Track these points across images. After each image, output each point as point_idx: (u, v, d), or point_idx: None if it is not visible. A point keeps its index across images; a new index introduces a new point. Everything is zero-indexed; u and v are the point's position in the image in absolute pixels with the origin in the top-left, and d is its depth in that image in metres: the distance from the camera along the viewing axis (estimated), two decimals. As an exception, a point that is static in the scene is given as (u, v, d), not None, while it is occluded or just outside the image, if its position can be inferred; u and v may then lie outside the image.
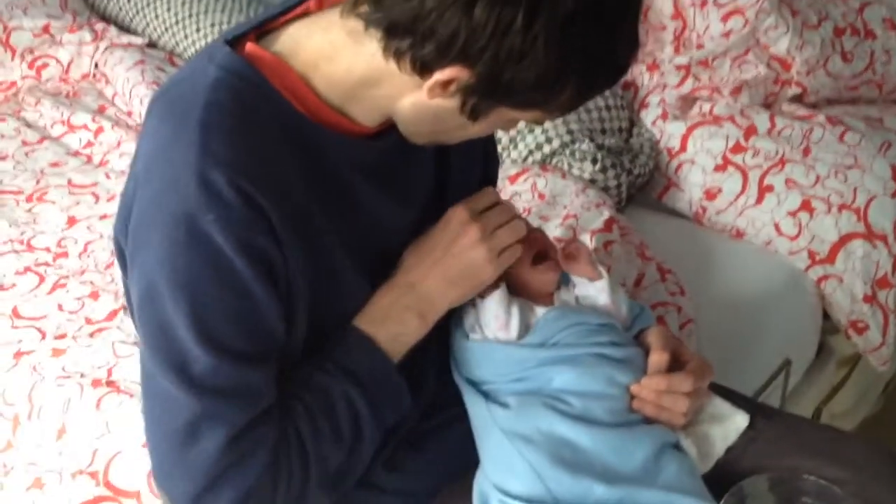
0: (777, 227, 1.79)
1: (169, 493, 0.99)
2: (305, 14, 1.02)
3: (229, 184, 0.90)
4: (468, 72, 0.90)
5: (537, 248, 1.20)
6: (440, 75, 0.91)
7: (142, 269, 0.95)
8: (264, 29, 1.02)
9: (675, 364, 1.15)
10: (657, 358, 1.13)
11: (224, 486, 0.95)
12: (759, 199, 1.81)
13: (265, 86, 0.96)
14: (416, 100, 0.96)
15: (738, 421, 1.22)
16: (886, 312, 1.76)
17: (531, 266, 1.18)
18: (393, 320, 1.06)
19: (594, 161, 1.86)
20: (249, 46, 0.99)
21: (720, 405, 1.23)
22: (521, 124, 1.28)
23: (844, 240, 1.76)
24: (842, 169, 1.80)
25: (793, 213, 1.78)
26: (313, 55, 0.98)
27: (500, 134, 1.98)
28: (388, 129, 1.04)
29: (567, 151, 1.90)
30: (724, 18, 1.99)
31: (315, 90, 0.98)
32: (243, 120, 0.94)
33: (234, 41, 1.00)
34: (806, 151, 1.82)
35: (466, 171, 1.20)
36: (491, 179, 1.32)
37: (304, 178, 0.98)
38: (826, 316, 1.82)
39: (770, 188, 1.81)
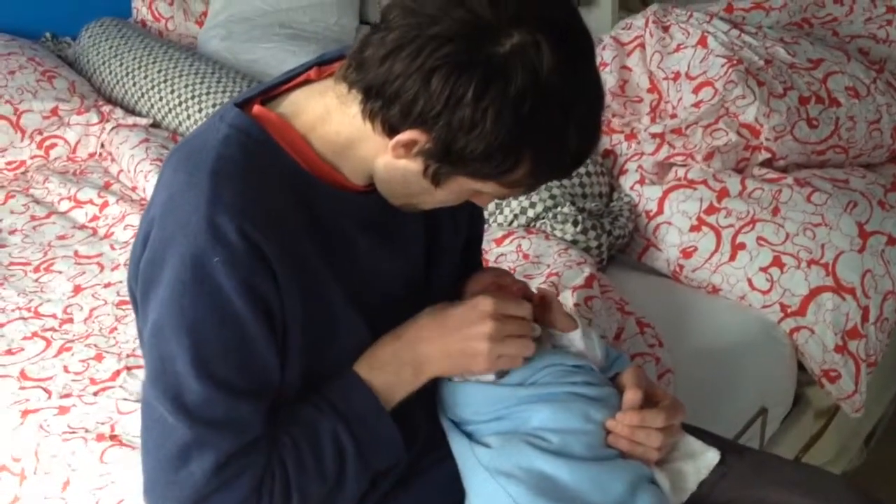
0: (750, 282, 1.88)
1: None
2: (308, 82, 1.13)
3: (236, 229, 1.00)
4: (426, 136, 0.97)
5: (519, 298, 1.28)
6: (401, 137, 0.99)
7: (152, 305, 1.04)
8: (269, 95, 1.13)
9: (649, 403, 1.21)
10: (631, 395, 1.19)
11: None
12: (733, 257, 1.90)
13: (270, 142, 1.06)
14: (387, 159, 1.04)
15: (710, 457, 1.28)
16: (858, 361, 1.83)
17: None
18: (390, 370, 1.14)
19: (575, 223, 1.96)
20: (256, 108, 1.09)
21: (692, 443, 1.29)
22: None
23: (814, 293, 1.84)
24: (810, 227, 1.89)
25: (764, 269, 1.87)
26: (311, 117, 1.08)
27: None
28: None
29: (550, 215, 2.00)
30: (696, 90, 2.11)
31: (313, 148, 1.08)
32: (250, 171, 1.04)
33: (243, 104, 1.10)
34: (775, 211, 1.92)
35: (454, 229, 1.27)
36: (477, 237, 1.41)
37: (306, 227, 1.07)
38: (801, 368, 1.88)
39: (742, 246, 1.90)
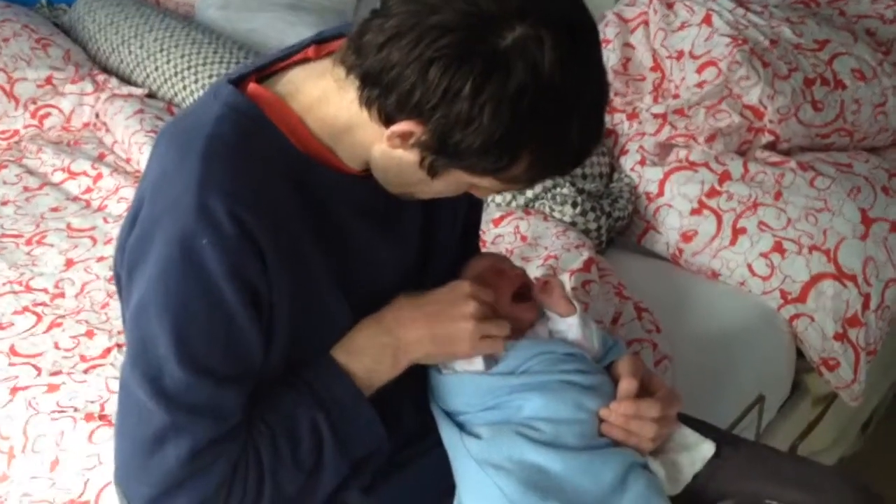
0: (750, 267, 1.85)
1: (127, 494, 1.05)
2: (305, 60, 1.10)
3: (226, 212, 0.97)
4: (422, 127, 0.95)
5: (517, 286, 1.26)
6: (396, 127, 0.96)
7: (137, 283, 1.01)
8: (265, 72, 1.10)
9: (645, 393, 1.19)
10: (626, 384, 1.18)
11: (180, 494, 1.02)
12: (733, 241, 1.88)
13: (265, 122, 1.03)
14: (383, 148, 1.01)
15: (705, 449, 1.26)
16: (857, 350, 1.81)
17: (511, 303, 1.23)
18: (369, 355, 1.11)
19: (574, 205, 1.93)
20: (252, 86, 1.06)
21: (688, 434, 1.28)
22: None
23: (815, 280, 1.82)
24: (812, 212, 1.87)
25: (765, 255, 1.84)
26: (309, 98, 1.05)
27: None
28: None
29: (549, 195, 1.97)
30: (700, 70, 2.07)
31: (310, 130, 1.05)
32: (243, 152, 1.01)
33: (238, 81, 1.07)
34: (777, 195, 1.89)
35: (453, 217, 1.25)
36: (475, 223, 1.38)
37: (299, 209, 1.04)
38: (800, 355, 1.87)
39: (743, 230, 1.87)
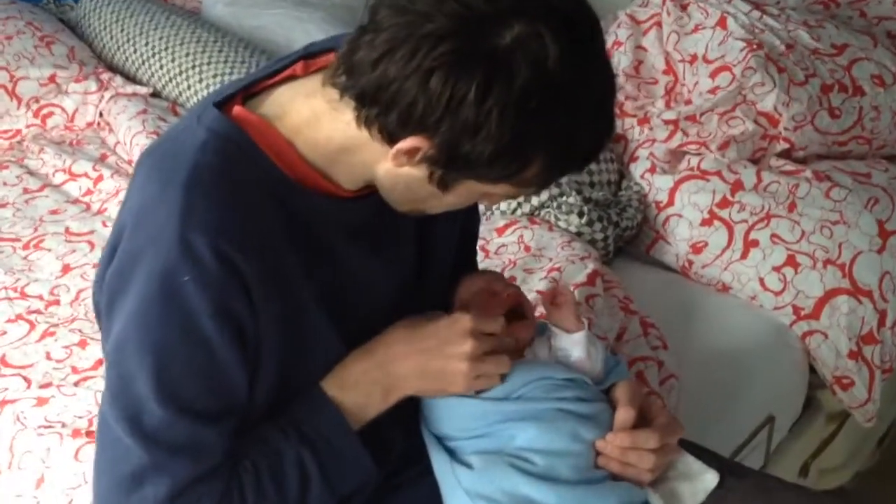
0: (762, 282, 1.79)
1: None
2: (293, 77, 1.05)
3: (209, 246, 0.92)
4: (428, 142, 0.91)
5: (511, 304, 1.21)
6: (402, 145, 0.92)
7: (116, 316, 0.97)
8: (251, 91, 1.05)
9: (643, 420, 1.15)
10: (622, 414, 1.13)
11: None
12: (745, 254, 1.82)
13: (251, 148, 0.98)
14: (389, 167, 0.97)
15: (708, 480, 1.22)
16: (872, 368, 1.75)
17: (506, 324, 1.18)
18: (360, 391, 1.07)
19: (580, 214, 1.88)
20: (237, 109, 1.01)
21: (691, 463, 1.23)
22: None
23: (829, 295, 1.75)
24: (827, 224, 1.80)
25: (777, 269, 1.78)
26: (297, 120, 1.01)
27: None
28: (372, 191, 1.05)
29: (554, 204, 1.92)
30: (713, 75, 2.01)
31: (300, 153, 1.00)
32: (228, 181, 0.96)
33: (223, 103, 1.02)
34: (791, 207, 1.83)
35: (449, 225, 1.21)
36: (472, 234, 1.34)
37: (288, 240, 1.00)
38: (813, 370, 1.81)
39: (755, 243, 1.81)
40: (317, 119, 0.99)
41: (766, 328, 1.77)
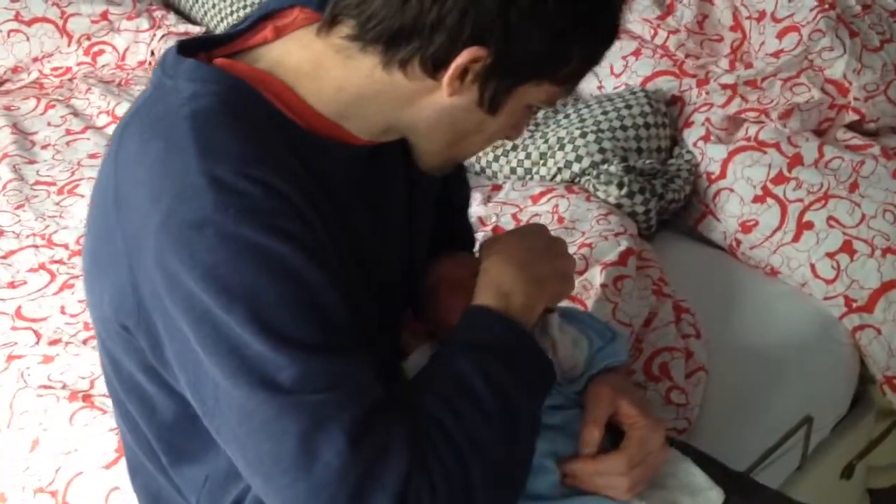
0: (813, 268, 1.65)
1: None
2: (264, 43, 0.96)
3: (239, 174, 0.83)
4: (485, 50, 0.86)
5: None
6: (460, 59, 0.86)
7: (181, 307, 0.85)
8: (213, 54, 0.95)
9: (615, 432, 1.06)
10: (586, 435, 1.04)
11: (370, 498, 0.83)
12: (797, 237, 1.67)
13: (251, 91, 0.89)
14: (429, 106, 0.91)
15: (712, 497, 1.13)
16: (928, 370, 1.60)
17: None
18: (519, 294, 0.98)
19: (620, 185, 1.75)
20: (220, 61, 0.92)
21: (696, 475, 1.14)
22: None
23: (886, 287, 1.60)
24: (891, 208, 1.64)
25: (831, 255, 1.63)
26: (296, 69, 0.92)
27: (530, 150, 1.88)
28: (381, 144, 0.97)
29: (595, 172, 1.80)
30: (780, 35, 1.84)
31: (304, 101, 0.91)
32: (236, 118, 0.87)
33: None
34: (853, 186, 1.67)
35: (428, 201, 1.12)
36: (460, 207, 1.27)
37: (301, 182, 0.89)
38: (865, 364, 1.66)
39: (809, 225, 1.66)
40: (322, 68, 0.91)
41: (813, 320, 1.63)
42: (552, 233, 1.08)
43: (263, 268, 0.83)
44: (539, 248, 1.03)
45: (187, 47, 0.94)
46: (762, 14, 1.90)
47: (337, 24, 0.89)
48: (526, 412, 0.93)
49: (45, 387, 1.50)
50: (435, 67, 0.87)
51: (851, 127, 1.81)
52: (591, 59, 0.93)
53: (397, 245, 1.07)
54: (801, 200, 1.68)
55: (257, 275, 0.83)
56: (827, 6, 1.78)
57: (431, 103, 0.90)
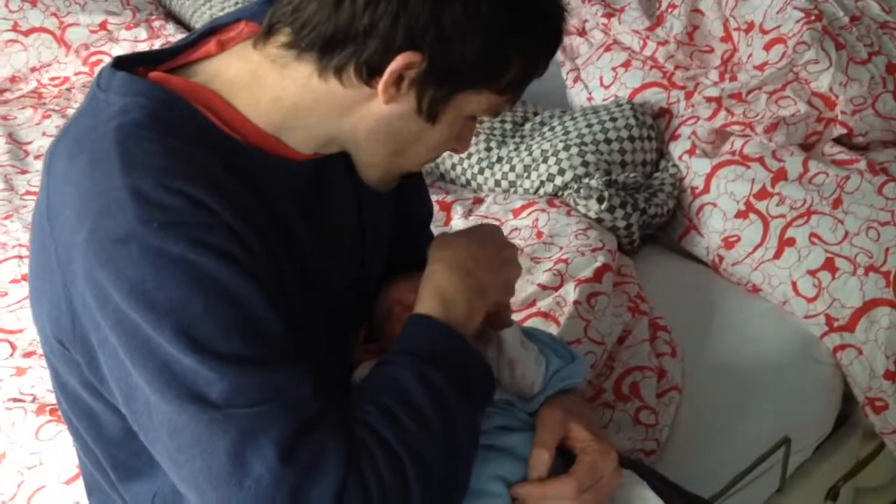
0: (794, 285, 1.61)
1: None
2: (207, 57, 0.95)
3: (161, 187, 0.82)
4: (419, 56, 0.86)
5: None
6: (394, 65, 0.86)
7: (111, 321, 0.84)
8: (154, 70, 0.94)
9: (567, 455, 1.04)
10: (535, 458, 1.02)
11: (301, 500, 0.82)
12: (778, 253, 1.64)
13: (183, 104, 0.88)
14: (368, 115, 0.91)
15: (664, 524, 1.10)
16: (911, 392, 1.56)
17: None
18: (460, 303, 0.97)
19: (600, 199, 1.73)
20: (154, 74, 0.92)
21: (650, 501, 1.12)
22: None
23: (868, 306, 1.56)
24: (875, 225, 1.60)
25: (812, 272, 1.60)
26: (231, 82, 0.91)
27: (514, 162, 1.86)
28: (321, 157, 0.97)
29: (576, 186, 1.77)
30: (767, 47, 1.81)
31: (242, 115, 0.91)
32: (164, 132, 0.86)
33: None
34: (837, 202, 1.63)
35: (382, 216, 1.11)
36: (422, 221, 1.25)
37: (234, 197, 0.87)
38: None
39: (791, 242, 1.63)
40: (258, 80, 0.91)
41: (793, 338, 1.60)
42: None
43: (188, 282, 0.82)
44: (487, 256, 1.01)
45: (127, 62, 0.94)
46: (750, 25, 1.87)
47: (274, 33, 0.89)
48: (464, 421, 0.92)
49: (15, 399, 1.50)
50: (370, 73, 0.87)
51: (840, 141, 1.77)
52: (531, 67, 0.92)
53: (345, 263, 1.05)
54: (783, 216, 1.65)
55: (183, 289, 0.82)
56: (813, 18, 1.75)
57: (370, 112, 0.90)
